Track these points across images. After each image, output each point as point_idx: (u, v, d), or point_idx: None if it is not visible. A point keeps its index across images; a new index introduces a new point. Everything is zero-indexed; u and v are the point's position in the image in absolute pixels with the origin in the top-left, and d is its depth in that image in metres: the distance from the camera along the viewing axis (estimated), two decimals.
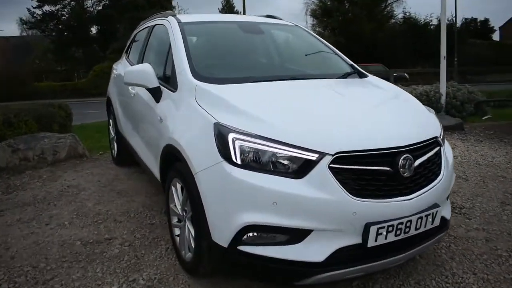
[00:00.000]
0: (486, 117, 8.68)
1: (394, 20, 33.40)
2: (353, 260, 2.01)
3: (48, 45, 30.94)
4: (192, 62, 2.72)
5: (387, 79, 3.07)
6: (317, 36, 3.65)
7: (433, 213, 2.18)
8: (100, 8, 31.18)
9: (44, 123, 6.23)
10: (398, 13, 35.00)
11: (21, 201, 3.84)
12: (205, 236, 2.16)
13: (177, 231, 2.69)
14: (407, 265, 2.57)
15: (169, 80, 2.89)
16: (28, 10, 29.44)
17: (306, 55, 3.38)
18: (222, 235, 2.04)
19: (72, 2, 29.93)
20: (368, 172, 1.99)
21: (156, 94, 2.87)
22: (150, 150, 3.13)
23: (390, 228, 2.01)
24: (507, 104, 11.58)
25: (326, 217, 1.93)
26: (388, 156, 2.04)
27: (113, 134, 4.94)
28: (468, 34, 34.81)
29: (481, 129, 7.19)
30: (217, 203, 2.05)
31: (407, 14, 34.04)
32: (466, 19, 40.32)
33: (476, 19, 43.67)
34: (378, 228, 1.97)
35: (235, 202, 1.98)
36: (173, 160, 2.53)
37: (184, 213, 2.48)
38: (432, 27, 33.41)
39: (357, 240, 1.99)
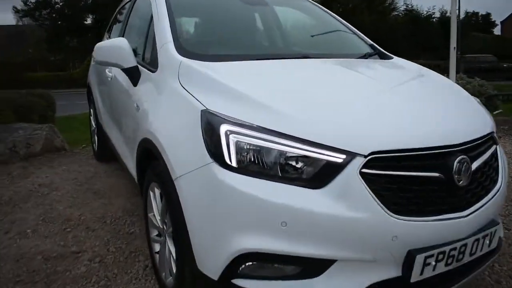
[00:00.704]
0: (497, 111, 8.18)
1: (396, 13, 32.73)
2: None
3: (42, 34, 30.12)
4: (177, 35, 2.16)
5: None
6: (328, 11, 3.08)
7: (491, 232, 1.64)
8: None
9: (22, 114, 5.66)
10: (400, 5, 34.30)
11: None
12: (188, 262, 1.62)
13: (157, 247, 2.15)
14: None
15: (148, 58, 2.34)
16: None
17: (312, 35, 2.78)
18: (210, 264, 1.50)
19: None
20: (412, 180, 1.44)
21: (133, 75, 2.31)
22: (127, 144, 2.58)
23: (441, 256, 1.47)
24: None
25: (355, 242, 1.39)
26: (439, 158, 1.49)
27: (94, 126, 4.38)
28: (470, 28, 34.22)
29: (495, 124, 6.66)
30: (204, 220, 1.50)
31: (409, 6, 33.45)
32: (467, 12, 39.76)
33: (477, 13, 43.17)
34: (426, 257, 1.44)
35: (229, 220, 1.43)
36: (152, 158, 1.98)
37: (165, 226, 1.94)
38: (434, 19, 32.82)
39: (396, 272, 1.45)
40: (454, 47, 8.57)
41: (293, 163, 1.42)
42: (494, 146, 1.78)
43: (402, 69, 2.35)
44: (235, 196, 1.40)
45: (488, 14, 43.53)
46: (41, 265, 2.36)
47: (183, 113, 1.71)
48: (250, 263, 1.44)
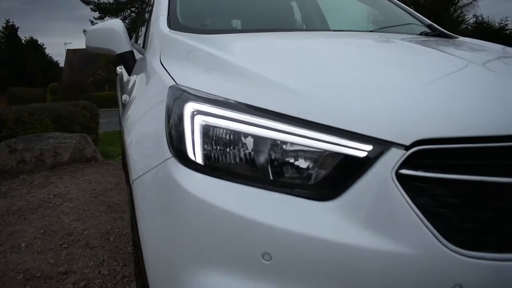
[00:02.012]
0: None
1: (465, 26, 30.67)
2: None
3: (109, 56, 32.04)
4: (176, 7, 1.74)
5: None
6: None
7: None
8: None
9: (64, 124, 5.63)
10: (469, 17, 32.07)
11: None
12: None
13: None
14: None
15: (143, 40, 1.95)
16: (91, 22, 30.58)
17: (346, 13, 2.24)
18: None
19: (132, 14, 30.68)
20: (484, 189, 0.86)
21: (127, 62, 1.92)
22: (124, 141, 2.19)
23: None
24: None
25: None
26: None
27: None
28: None
29: None
30: (160, 242, 1.01)
31: (480, 18, 31.23)
32: None
33: None
34: None
35: (188, 245, 0.93)
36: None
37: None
38: (507, 31, 30.32)
39: None
40: None
41: (291, 158, 0.90)
42: None
43: (474, 45, 1.73)
44: (197, 209, 0.91)
45: None
46: (20, 286, 2.01)
47: (150, 95, 1.27)
48: None
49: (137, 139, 1.23)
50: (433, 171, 0.82)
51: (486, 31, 29.03)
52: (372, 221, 0.82)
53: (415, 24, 2.11)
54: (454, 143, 0.84)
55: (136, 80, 1.69)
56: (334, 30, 1.81)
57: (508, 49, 1.69)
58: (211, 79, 1.11)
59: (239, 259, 0.86)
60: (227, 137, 0.94)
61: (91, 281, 2.04)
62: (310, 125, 0.89)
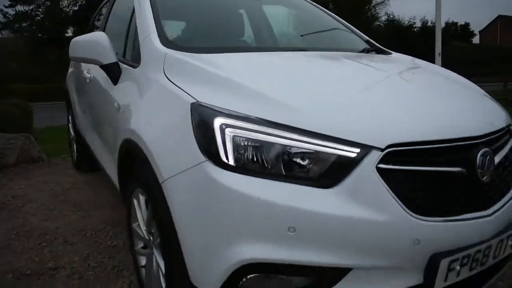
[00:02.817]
0: None
1: (378, 23, 33.25)
2: None
3: (21, 47, 29.50)
4: (162, 26, 1.98)
5: None
6: (320, 6, 2.94)
7: None
8: (76, 8, 29.91)
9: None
10: (382, 15, 34.79)
11: None
12: (179, 276, 1.41)
13: (142, 261, 1.93)
14: None
15: (131, 54, 2.14)
16: (1, 10, 27.96)
17: (306, 30, 2.62)
18: (207, 278, 1.30)
19: (47, 2, 28.59)
20: (433, 175, 1.28)
21: (113, 72, 2.10)
22: (108, 149, 2.36)
23: (466, 260, 1.30)
24: (500, 102, 11.25)
25: (371, 247, 1.21)
26: (461, 150, 1.33)
27: (73, 134, 4.13)
28: (450, 37, 34.95)
29: None
30: (197, 227, 1.30)
31: (391, 16, 34.00)
32: (447, 22, 40.63)
33: (457, 23, 44.11)
34: (451, 262, 1.26)
35: (227, 227, 1.24)
36: (134, 162, 1.78)
37: (151, 237, 1.73)
38: (415, 29, 33.42)
39: (417, 280, 1.27)
40: (439, 53, 8.63)
41: (299, 159, 1.24)
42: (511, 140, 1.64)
43: (407, 62, 2.21)
44: (233, 199, 1.21)
45: (467, 24, 44.53)
46: (12, 285, 2.11)
47: (170, 108, 1.52)
48: (253, 275, 1.24)
49: (160, 145, 1.48)
50: (400, 165, 1.22)
51: (396, 29, 31.74)
52: (362, 201, 1.19)
53: (358, 40, 2.56)
54: (412, 145, 1.24)
55: (132, 89, 1.89)
56: (312, 50, 2.11)
57: (432, 65, 2.20)
58: (226, 97, 1.39)
59: (270, 232, 1.19)
60: (251, 144, 1.25)
61: (83, 274, 2.20)
62: (314, 134, 1.23)
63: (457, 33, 42.55)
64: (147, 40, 1.93)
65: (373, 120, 1.29)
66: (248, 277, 1.24)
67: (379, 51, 2.48)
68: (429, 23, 33.34)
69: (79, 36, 2.16)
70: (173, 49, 1.79)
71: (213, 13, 2.43)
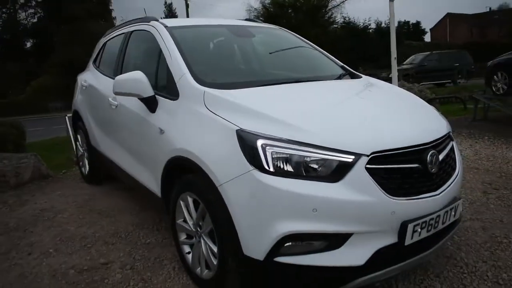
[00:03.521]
0: None
1: (335, 25, 34.65)
2: (391, 259, 1.98)
3: None
4: (192, 68, 2.57)
5: None
6: (301, 37, 3.62)
7: (455, 206, 2.20)
8: (35, 20, 29.39)
9: None
10: (338, 18, 36.30)
11: None
12: (232, 251, 2.02)
13: (186, 249, 2.52)
14: None
15: (164, 88, 2.71)
16: None
17: (298, 62, 3.31)
18: (256, 248, 1.92)
19: (4, 15, 27.93)
20: (400, 170, 1.97)
21: (151, 104, 2.68)
22: (144, 164, 2.91)
23: (423, 225, 2.00)
24: (450, 100, 12.47)
25: (366, 219, 1.88)
26: (417, 153, 2.03)
27: (81, 151, 4.60)
28: (404, 36, 36.94)
29: None
30: (250, 214, 1.92)
31: (347, 19, 35.51)
32: (400, 22, 42.90)
33: (408, 22, 46.60)
34: (414, 226, 1.96)
35: (272, 212, 1.87)
36: (182, 172, 2.37)
37: (198, 229, 2.32)
38: (370, 30, 35.07)
39: (394, 239, 1.95)
40: (395, 57, 9.52)
41: (317, 165, 1.88)
42: (451, 142, 2.37)
43: (375, 86, 2.90)
44: (276, 193, 1.85)
45: (418, 23, 47.15)
46: (77, 277, 2.63)
47: (218, 132, 2.12)
48: (289, 243, 1.88)
49: (213, 157, 2.07)
50: (379, 164, 1.90)
51: (352, 31, 33.24)
52: (358, 189, 1.85)
53: (335, 66, 3.26)
54: (386, 152, 1.93)
55: (175, 117, 2.46)
56: (303, 81, 2.79)
57: (392, 86, 2.91)
58: (259, 124, 2.01)
59: (301, 213, 1.83)
60: (283, 156, 1.88)
61: (133, 265, 2.75)
62: (325, 148, 1.88)
63: (409, 31, 45.01)
64: (182, 79, 2.52)
65: (361, 136, 1.97)
66: (286, 244, 1.88)
67: (352, 75, 3.18)
68: (383, 24, 35.13)
69: (121, 75, 2.71)
70: (207, 86, 2.39)
71: (226, 52, 3.06)
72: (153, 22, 3.16)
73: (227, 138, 2.04)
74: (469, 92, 13.16)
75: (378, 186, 1.88)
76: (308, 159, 1.88)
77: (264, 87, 2.51)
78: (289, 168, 1.88)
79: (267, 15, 31.67)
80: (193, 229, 2.38)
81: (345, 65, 3.34)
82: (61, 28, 26.58)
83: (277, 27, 3.76)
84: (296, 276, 1.91)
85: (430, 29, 53.09)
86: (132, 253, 2.91)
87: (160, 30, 2.97)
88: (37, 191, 4.43)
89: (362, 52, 30.33)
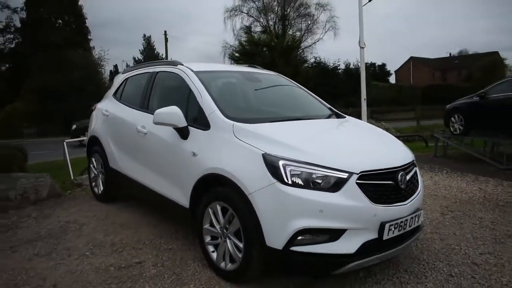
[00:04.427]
0: None
1: (307, 65, 36.59)
2: (373, 250, 2.70)
3: None
4: (219, 106, 3.31)
5: None
6: (295, 82, 4.47)
7: (418, 214, 2.99)
8: (13, 46, 29.51)
9: (4, 165, 6.14)
10: (310, 58, 38.40)
11: (25, 238, 3.92)
12: (257, 244, 2.70)
13: (211, 248, 3.15)
14: (393, 260, 3.33)
15: (195, 120, 3.41)
16: None
17: (298, 103, 4.18)
18: (277, 240, 2.60)
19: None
20: (379, 185, 2.75)
21: (184, 132, 3.37)
22: (173, 181, 3.55)
23: (396, 225, 2.76)
24: (414, 138, 13.73)
25: (356, 219, 2.62)
26: (391, 173, 2.82)
27: (96, 172, 5.15)
28: (370, 77, 39.31)
29: None
30: (273, 214, 2.62)
31: (318, 59, 37.61)
32: (366, 63, 45.53)
33: (374, 63, 49.50)
34: (389, 225, 2.71)
35: (290, 212, 2.57)
36: (212, 186, 3.05)
37: (225, 231, 2.98)
38: (339, 71, 37.22)
39: (375, 235, 2.69)
40: (364, 98, 10.67)
41: (322, 179, 2.62)
42: (415, 168, 3.19)
43: (355, 124, 3.74)
44: (294, 199, 2.56)
45: (384, 65, 50.12)
46: (118, 272, 3.19)
47: (247, 155, 2.83)
48: (301, 236, 2.58)
49: (244, 173, 2.76)
50: (365, 180, 2.67)
51: (323, 70, 35.23)
52: (350, 197, 2.60)
53: (324, 108, 4.09)
54: (369, 172, 2.70)
55: (207, 143, 3.15)
56: (304, 119, 3.60)
57: (370, 125, 3.75)
58: (279, 149, 2.75)
59: (311, 213, 2.54)
60: (297, 173, 2.62)
61: (163, 263, 3.33)
62: (328, 167, 2.63)
63: (375, 73, 47.79)
64: (213, 114, 3.24)
65: (352, 160, 2.74)
66: (298, 238, 2.58)
67: (338, 115, 4.00)
68: (351, 65, 37.42)
69: (160, 109, 3.39)
70: (234, 121, 3.12)
71: (242, 93, 3.85)
72: (180, 66, 3.90)
73: (254, 159, 2.76)
74: (430, 132, 14.50)
75: (365, 196, 2.63)
76: (315, 175, 2.62)
77: (276, 122, 3.28)
78: (301, 181, 2.61)
79: (243, 53, 33.12)
80: (220, 231, 3.03)
81: (332, 107, 4.17)
82: (38, 54, 26.83)
83: (274, 73, 4.59)
84: (306, 261, 2.61)
85: (395, 71, 56.52)
86: (159, 255, 3.50)
87: (188, 74, 3.71)
88: (56, 206, 4.92)
89: (332, 90, 32.12)
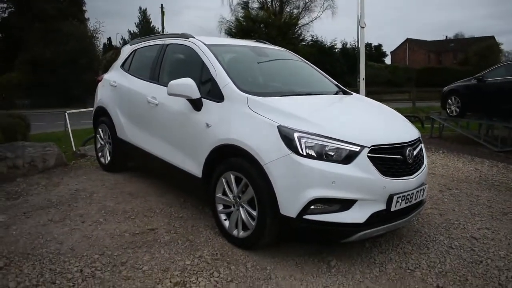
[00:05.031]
0: None
1: (304, 43, 36.31)
2: (381, 221, 2.84)
3: None
4: (233, 78, 3.36)
5: None
6: (302, 58, 4.52)
7: (423, 188, 3.12)
8: (5, 15, 28.82)
9: (9, 133, 6.17)
10: (307, 36, 38.08)
11: (37, 204, 4.00)
12: (271, 212, 2.81)
13: (223, 217, 3.27)
14: (396, 232, 3.49)
15: (208, 92, 3.47)
16: None
17: (308, 78, 4.24)
18: (291, 208, 2.72)
19: None
20: (389, 159, 2.86)
21: (197, 104, 3.43)
22: (186, 152, 3.63)
23: (403, 197, 2.89)
24: (410, 119, 13.87)
25: (366, 190, 2.74)
26: (400, 148, 2.94)
27: (102, 143, 5.20)
28: (366, 58, 39.19)
29: None
30: (288, 184, 2.73)
31: (314, 37, 37.30)
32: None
33: (371, 44, 49.27)
34: (397, 198, 2.84)
35: (304, 182, 2.68)
36: (226, 156, 3.14)
37: (238, 199, 3.09)
38: (336, 50, 37.01)
39: (383, 207, 2.82)
40: (363, 78, 10.72)
41: (335, 152, 2.72)
42: (421, 144, 3.30)
43: (366, 101, 3.83)
44: (308, 169, 2.67)
45: (380, 45, 49.95)
46: (133, 238, 3.30)
47: (262, 127, 2.91)
48: (313, 206, 2.70)
49: (259, 144, 2.85)
50: (376, 154, 2.78)
51: (320, 48, 35.00)
52: (362, 169, 2.71)
53: (331, 84, 4.16)
54: (380, 146, 2.81)
55: (221, 115, 3.22)
56: (314, 94, 3.68)
57: (378, 103, 3.84)
58: (292, 122, 2.84)
59: (324, 184, 2.66)
60: (312, 145, 2.72)
61: (176, 230, 3.45)
62: (341, 140, 2.74)
63: (371, 53, 47.63)
64: (227, 87, 3.30)
65: (364, 134, 2.85)
66: (311, 207, 2.70)
67: (344, 92, 4.07)
68: (348, 45, 37.22)
69: (174, 81, 3.43)
70: (248, 94, 3.19)
71: (254, 69, 3.90)
72: (192, 39, 3.93)
73: (269, 131, 2.84)
74: (425, 113, 14.66)
75: (375, 169, 2.75)
76: (328, 147, 2.72)
77: (287, 96, 3.35)
78: (315, 153, 2.71)
79: (240, 29, 32.73)
80: (233, 200, 3.14)
81: (338, 84, 4.24)
82: (32, 26, 26.24)
83: (283, 49, 4.63)
84: (317, 229, 2.74)
85: (391, 52, 56.39)
86: (171, 223, 3.61)
87: (201, 47, 3.74)
88: (64, 175, 4.99)
89: (328, 69, 32.06)
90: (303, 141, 2.73)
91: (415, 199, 3.04)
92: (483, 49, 41.38)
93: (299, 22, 37.28)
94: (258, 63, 4.04)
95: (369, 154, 2.75)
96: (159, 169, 4.27)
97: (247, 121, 3.05)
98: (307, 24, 39.36)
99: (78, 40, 26.46)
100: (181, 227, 3.54)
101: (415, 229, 3.62)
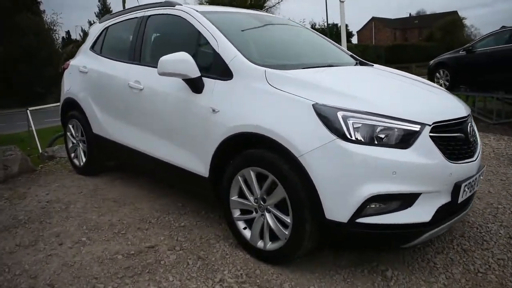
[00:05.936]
0: None
1: None
2: (447, 216, 2.27)
3: None
4: (240, 49, 2.67)
5: None
6: (308, 27, 3.88)
7: (483, 171, 2.57)
8: None
9: None
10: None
11: (0, 225, 3.20)
12: (311, 217, 2.19)
13: (242, 225, 2.62)
14: None
15: (208, 69, 2.77)
16: None
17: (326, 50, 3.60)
18: (341, 211, 2.10)
19: None
20: (451, 138, 2.27)
21: (197, 84, 2.72)
22: (185, 146, 2.92)
23: (469, 185, 2.32)
24: None
25: (431, 180, 2.15)
26: (460, 124, 2.36)
27: (74, 141, 4.40)
28: (334, 38, 38.98)
29: None
30: (335, 180, 2.09)
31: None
32: (329, 24, 45.14)
33: (337, 24, 49.05)
34: (465, 186, 2.27)
35: (357, 176, 2.06)
36: (241, 148, 2.47)
37: (262, 202, 2.44)
38: None
39: (448, 198, 2.24)
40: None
41: (391, 133, 2.11)
42: (471, 119, 2.74)
43: (397, 72, 3.18)
44: (360, 159, 2.04)
45: (346, 25, 49.69)
46: (129, 261, 2.59)
47: (290, 107, 2.26)
48: (372, 205, 2.08)
49: (291, 132, 2.19)
50: (438, 133, 2.18)
51: None
52: (424, 154, 2.11)
53: (348, 56, 3.53)
54: (441, 122, 2.21)
55: (231, 95, 2.54)
56: (335, 65, 2.99)
57: (413, 75, 3.23)
58: (330, 98, 2.20)
59: (383, 176, 2.04)
60: (363, 126, 2.09)
61: (181, 245, 2.76)
62: (396, 118, 2.12)
63: (338, 33, 47.45)
64: (235, 60, 2.61)
65: (421, 110, 2.27)
66: (368, 206, 2.08)
67: (362, 63, 3.46)
68: (317, 25, 36.75)
69: (167, 56, 2.70)
70: (264, 67, 2.51)
71: (259, 37, 3.20)
72: (180, 7, 3.19)
73: (303, 112, 2.19)
74: None
75: (440, 151, 2.16)
76: (380, 128, 2.10)
77: (311, 69, 2.69)
78: (368, 136, 2.09)
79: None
80: (254, 203, 2.49)
81: (354, 55, 3.62)
82: None
83: (284, 18, 3.94)
84: (375, 234, 2.13)
85: (357, 32, 56.51)
86: (173, 236, 2.92)
87: (194, 15, 3.01)
88: (31, 184, 4.16)
89: None
90: (350, 121, 2.09)
91: (477, 185, 2.48)
92: (447, 24, 41.96)
93: (265, 4, 36.42)
94: (263, 32, 3.34)
95: (430, 134, 2.16)
96: (149, 169, 3.54)
97: (269, 100, 2.38)
98: (274, 6, 38.51)
99: (35, 34, 24.75)
100: (186, 240, 2.86)
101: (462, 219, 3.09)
